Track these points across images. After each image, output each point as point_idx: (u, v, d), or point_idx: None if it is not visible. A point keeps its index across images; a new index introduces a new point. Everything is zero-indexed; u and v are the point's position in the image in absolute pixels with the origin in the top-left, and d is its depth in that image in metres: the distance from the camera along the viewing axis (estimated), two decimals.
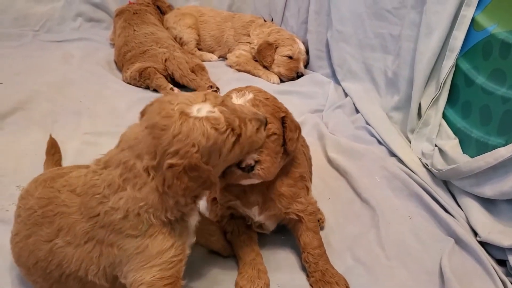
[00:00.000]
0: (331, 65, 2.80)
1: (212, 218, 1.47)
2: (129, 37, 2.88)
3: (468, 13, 1.92)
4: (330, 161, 2.02)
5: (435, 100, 2.01)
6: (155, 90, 2.63)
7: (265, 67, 2.98)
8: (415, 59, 2.10)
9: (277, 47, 2.94)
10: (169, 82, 2.65)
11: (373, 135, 2.19)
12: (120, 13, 3.17)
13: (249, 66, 3.01)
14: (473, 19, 1.91)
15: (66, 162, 1.84)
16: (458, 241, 1.53)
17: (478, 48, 1.86)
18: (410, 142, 2.08)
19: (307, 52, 3.01)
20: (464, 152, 1.84)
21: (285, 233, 1.53)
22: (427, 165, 1.88)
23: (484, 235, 1.51)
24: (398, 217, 1.66)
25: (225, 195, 1.38)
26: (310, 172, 1.61)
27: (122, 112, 2.35)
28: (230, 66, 3.11)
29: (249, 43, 3.10)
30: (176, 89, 2.60)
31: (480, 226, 1.55)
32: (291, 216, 1.40)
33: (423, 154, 1.96)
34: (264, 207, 1.38)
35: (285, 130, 1.30)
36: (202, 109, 1.04)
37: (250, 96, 1.27)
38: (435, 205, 1.68)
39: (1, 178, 1.76)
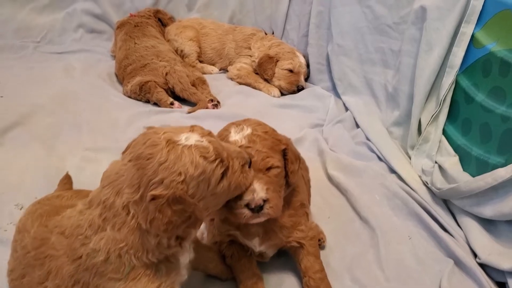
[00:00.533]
0: (331, 79, 2.79)
1: (210, 239, 1.46)
2: (130, 50, 2.89)
3: (467, 30, 1.92)
4: (330, 179, 2.01)
5: (435, 117, 2.00)
6: (155, 104, 2.63)
7: (266, 80, 2.97)
8: (415, 74, 2.09)
9: (277, 60, 2.94)
10: (169, 96, 2.65)
11: (373, 151, 2.17)
12: (121, 25, 3.18)
13: (250, 79, 3.00)
14: (473, 36, 1.90)
15: None
16: (458, 262, 1.52)
17: (477, 65, 1.85)
18: (410, 158, 2.07)
19: (308, 66, 3.01)
20: (464, 169, 1.83)
21: (286, 255, 1.51)
22: (427, 183, 1.87)
23: (484, 257, 1.50)
24: (397, 237, 1.65)
25: (224, 226, 1.37)
26: (309, 195, 1.60)
27: (122, 126, 2.35)
28: (231, 79, 3.11)
29: (250, 56, 3.10)
30: (176, 103, 2.61)
31: (480, 247, 1.54)
32: (292, 244, 1.39)
33: (423, 171, 1.95)
34: (265, 238, 1.36)
35: (286, 163, 1.28)
36: (190, 137, 1.00)
37: (248, 131, 1.25)
38: (434, 225, 1.67)
39: (1, 196, 1.74)
